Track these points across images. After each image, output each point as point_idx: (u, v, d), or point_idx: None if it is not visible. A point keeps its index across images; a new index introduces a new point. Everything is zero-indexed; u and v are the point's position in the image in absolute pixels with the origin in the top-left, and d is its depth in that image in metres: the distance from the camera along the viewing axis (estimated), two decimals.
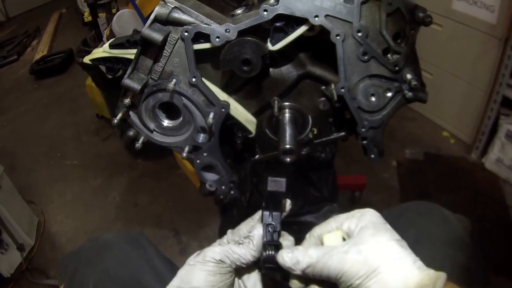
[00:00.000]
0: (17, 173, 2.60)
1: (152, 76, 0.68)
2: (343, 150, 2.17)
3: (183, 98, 0.69)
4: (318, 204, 1.11)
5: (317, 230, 0.62)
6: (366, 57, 0.65)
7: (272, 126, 0.78)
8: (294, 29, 0.65)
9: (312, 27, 0.65)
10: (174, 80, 0.67)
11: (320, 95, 0.74)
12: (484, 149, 2.10)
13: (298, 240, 0.66)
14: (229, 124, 0.72)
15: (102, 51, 0.70)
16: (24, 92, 3.76)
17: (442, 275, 0.48)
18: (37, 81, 3.86)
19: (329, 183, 1.12)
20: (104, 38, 2.23)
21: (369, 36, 0.64)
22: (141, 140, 0.73)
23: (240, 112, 0.72)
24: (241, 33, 0.63)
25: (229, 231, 0.69)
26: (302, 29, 0.64)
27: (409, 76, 0.66)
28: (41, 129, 3.13)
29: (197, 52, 0.66)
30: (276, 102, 0.73)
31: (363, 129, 0.70)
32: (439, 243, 0.78)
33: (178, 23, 0.64)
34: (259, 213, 0.67)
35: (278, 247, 0.62)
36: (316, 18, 0.62)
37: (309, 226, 0.64)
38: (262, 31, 0.65)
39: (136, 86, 0.66)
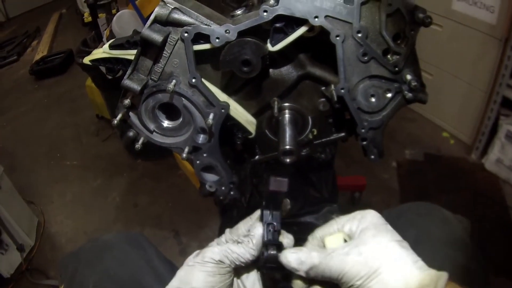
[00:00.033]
0: (17, 174, 2.60)
1: (152, 77, 0.68)
2: (343, 151, 2.17)
3: (183, 99, 0.69)
4: (318, 205, 1.11)
5: (319, 232, 0.62)
6: (366, 58, 0.65)
7: (272, 127, 0.78)
8: (294, 30, 0.64)
9: (312, 28, 0.64)
10: (174, 81, 0.67)
11: (320, 96, 0.74)
12: (484, 149, 2.10)
13: (298, 241, 0.66)
14: (229, 125, 0.72)
15: (102, 51, 0.70)
16: (24, 92, 3.76)
17: (443, 275, 0.48)
18: (37, 82, 3.87)
19: (329, 184, 1.12)
20: (104, 39, 2.23)
21: (369, 37, 0.64)
22: (141, 141, 0.73)
23: (240, 113, 0.72)
24: (241, 34, 0.63)
25: (227, 230, 0.69)
26: (302, 30, 0.64)
27: (409, 76, 0.66)
28: (41, 129, 3.13)
29: (197, 53, 0.66)
30: (276, 103, 0.73)
31: (363, 130, 0.70)
32: (439, 243, 0.78)
33: (178, 24, 0.64)
34: (257, 212, 0.67)
35: (280, 246, 0.62)
36: (316, 19, 0.62)
37: (309, 227, 0.64)
38: (262, 32, 0.65)
39: (136, 87, 0.66)
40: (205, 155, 0.74)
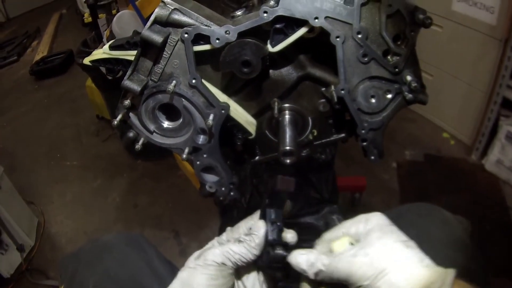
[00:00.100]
0: (17, 174, 2.60)
1: (152, 78, 0.68)
2: (343, 151, 2.17)
3: (183, 99, 0.69)
4: (318, 206, 1.11)
5: (326, 236, 0.62)
6: (366, 59, 0.65)
7: (272, 127, 0.78)
8: (294, 31, 0.64)
9: (312, 29, 0.64)
10: (174, 81, 0.67)
11: (320, 97, 0.74)
12: (484, 150, 2.10)
13: (298, 242, 0.66)
14: (229, 125, 0.72)
15: (102, 52, 0.70)
16: (24, 92, 3.76)
17: (451, 272, 0.48)
18: (37, 82, 3.87)
19: (329, 185, 1.12)
20: (104, 39, 2.23)
21: (369, 37, 0.64)
22: (141, 141, 0.73)
23: (240, 114, 0.72)
24: (241, 34, 0.63)
25: (228, 229, 0.69)
26: (302, 31, 0.64)
27: (409, 77, 0.66)
28: (41, 129, 3.13)
29: (197, 53, 0.66)
30: (276, 103, 0.73)
31: (363, 131, 0.70)
32: (439, 244, 0.78)
33: (178, 25, 0.64)
34: (258, 212, 0.67)
35: (286, 246, 0.62)
36: (316, 20, 0.62)
37: (309, 228, 0.64)
38: (262, 32, 0.65)
39: (136, 87, 0.66)
40: (205, 155, 0.74)
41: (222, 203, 0.79)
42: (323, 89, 0.72)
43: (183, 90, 0.68)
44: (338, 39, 0.63)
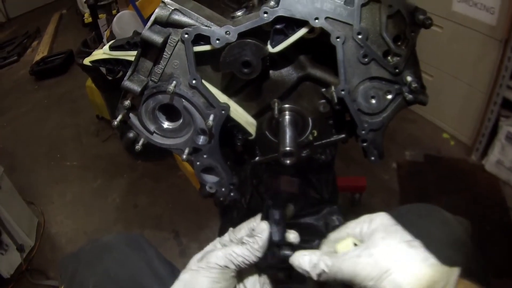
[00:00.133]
0: (17, 174, 2.60)
1: (152, 78, 0.68)
2: (343, 152, 2.17)
3: (183, 100, 0.69)
4: (318, 206, 1.11)
5: (332, 236, 0.62)
6: (366, 60, 0.65)
7: (272, 128, 0.78)
8: (294, 31, 0.64)
9: (312, 29, 0.64)
10: (174, 82, 0.67)
11: (320, 97, 0.74)
12: (484, 151, 2.10)
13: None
14: (229, 126, 0.72)
15: (102, 52, 0.70)
16: (24, 93, 3.76)
17: (455, 271, 0.48)
18: (37, 82, 3.87)
19: (329, 185, 1.12)
20: (105, 40, 2.23)
21: (369, 38, 0.64)
22: (141, 142, 0.73)
23: (240, 114, 0.72)
24: (241, 35, 0.63)
25: (230, 229, 0.69)
26: (302, 31, 0.64)
27: (409, 78, 0.66)
28: (41, 130, 3.13)
29: (197, 54, 0.66)
30: (276, 104, 0.73)
31: (363, 131, 0.70)
32: (440, 245, 0.78)
33: (178, 25, 0.64)
34: (260, 214, 0.67)
35: (292, 247, 0.62)
36: (316, 20, 0.62)
37: (309, 228, 0.64)
38: (262, 33, 0.65)
39: (136, 88, 0.66)
40: (205, 156, 0.74)
41: (222, 204, 0.79)
42: (323, 89, 0.72)
43: (183, 91, 0.68)
44: (338, 39, 0.63)
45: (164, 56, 0.66)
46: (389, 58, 0.66)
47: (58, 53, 4.10)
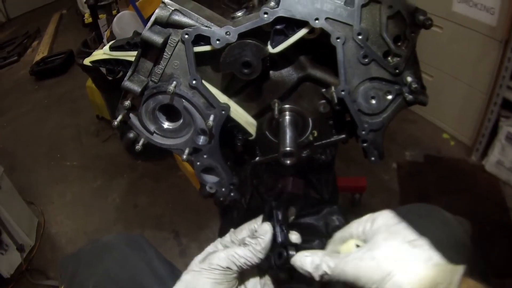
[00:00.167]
0: (17, 174, 2.60)
1: (152, 79, 0.68)
2: (343, 152, 2.17)
3: (183, 100, 0.69)
4: (318, 206, 1.11)
5: (337, 235, 0.62)
6: (366, 60, 0.65)
7: (273, 128, 0.78)
8: (294, 32, 0.65)
9: (312, 30, 0.65)
10: (174, 82, 0.67)
11: (320, 98, 0.74)
12: (484, 151, 2.10)
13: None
14: (229, 126, 0.72)
15: (102, 53, 0.70)
16: (24, 93, 3.76)
17: (458, 269, 0.48)
18: (37, 82, 3.87)
19: (329, 185, 1.12)
20: (105, 40, 2.23)
21: (370, 39, 0.64)
22: (141, 142, 0.73)
23: (240, 115, 0.72)
24: (242, 35, 0.63)
25: (232, 230, 0.69)
26: (302, 32, 0.64)
27: (409, 78, 0.66)
28: (41, 130, 3.13)
29: (198, 54, 0.66)
30: (276, 104, 0.73)
31: (364, 132, 0.70)
32: (440, 245, 0.78)
33: (179, 26, 0.64)
34: (261, 215, 0.67)
35: (297, 247, 0.62)
36: (317, 21, 0.62)
37: (309, 228, 0.64)
38: (262, 33, 0.65)
39: (136, 88, 0.66)
40: (205, 156, 0.74)
41: (222, 204, 0.79)
42: (324, 90, 0.72)
43: (183, 91, 0.68)
44: (338, 40, 0.63)
45: (164, 56, 0.66)
46: (389, 58, 0.66)
47: (58, 53, 4.10)
